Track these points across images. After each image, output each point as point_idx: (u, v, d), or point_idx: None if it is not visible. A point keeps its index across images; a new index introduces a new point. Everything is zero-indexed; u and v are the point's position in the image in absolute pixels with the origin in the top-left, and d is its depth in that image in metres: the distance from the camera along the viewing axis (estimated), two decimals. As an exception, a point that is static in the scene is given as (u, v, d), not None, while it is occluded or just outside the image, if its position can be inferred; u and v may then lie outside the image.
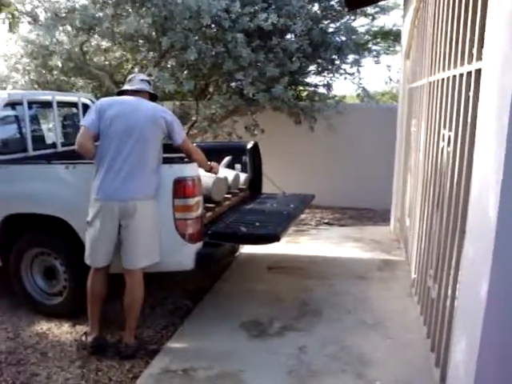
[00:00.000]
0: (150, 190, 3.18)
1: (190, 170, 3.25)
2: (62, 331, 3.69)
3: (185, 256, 3.29)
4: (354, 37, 6.88)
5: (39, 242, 3.83)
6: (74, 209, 3.47)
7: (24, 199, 3.72)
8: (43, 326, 3.77)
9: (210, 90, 7.54)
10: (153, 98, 3.49)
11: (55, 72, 7.22)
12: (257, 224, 3.58)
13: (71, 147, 4.84)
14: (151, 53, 6.76)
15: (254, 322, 3.62)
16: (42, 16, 6.38)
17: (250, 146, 4.72)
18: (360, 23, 7.85)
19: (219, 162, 4.62)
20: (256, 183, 4.81)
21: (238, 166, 4.76)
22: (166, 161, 3.30)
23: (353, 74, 6.92)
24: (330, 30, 7.28)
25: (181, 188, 3.19)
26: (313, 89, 7.33)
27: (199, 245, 3.34)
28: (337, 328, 3.52)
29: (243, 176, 4.61)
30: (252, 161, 4.72)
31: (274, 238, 3.33)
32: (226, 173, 4.27)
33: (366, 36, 8.67)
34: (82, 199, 3.29)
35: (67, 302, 3.81)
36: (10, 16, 4.38)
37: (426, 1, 4.00)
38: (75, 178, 3.52)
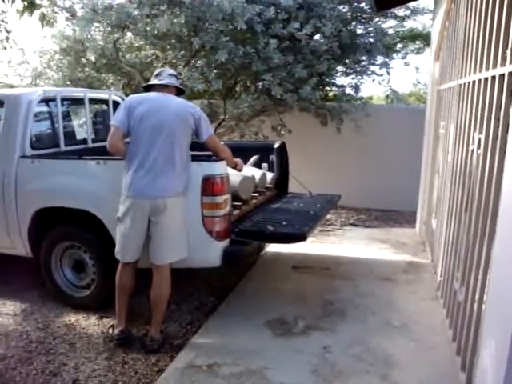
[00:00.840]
0: (180, 187, 3.22)
1: (219, 168, 3.28)
2: (90, 323, 3.77)
3: (212, 253, 3.33)
4: (383, 38, 6.83)
5: (69, 235, 3.91)
6: (104, 204, 3.55)
7: (56, 193, 3.81)
8: (71, 318, 3.86)
9: (238, 89, 7.59)
10: (180, 92, 3.51)
11: (87, 69, 7.37)
12: (283, 223, 3.59)
13: (101, 143, 4.96)
14: (182, 52, 6.83)
15: (279, 321, 3.63)
16: (79, 12, 6.52)
17: (277, 145, 4.74)
18: (389, 25, 7.74)
19: (246, 160, 4.66)
20: (282, 183, 4.82)
21: (264, 165, 4.78)
22: (195, 158, 3.35)
23: (381, 75, 6.87)
24: (360, 31, 7.27)
25: (209, 186, 3.23)
26: (340, 90, 7.30)
27: (226, 242, 3.38)
28: (361, 329, 3.51)
29: (270, 175, 4.63)
30: (279, 160, 4.74)
31: (300, 237, 3.35)
32: (253, 171, 4.30)
33: (395, 38, 8.61)
34: (112, 194, 3.37)
35: (95, 295, 3.89)
36: (43, 14, 4.47)
37: (457, 2, 3.96)
38: (106, 173, 3.59)
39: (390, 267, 4.80)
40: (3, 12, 4.26)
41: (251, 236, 3.46)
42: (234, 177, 3.65)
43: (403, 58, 7.89)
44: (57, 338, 3.57)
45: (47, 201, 3.84)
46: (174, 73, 3.58)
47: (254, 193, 4.18)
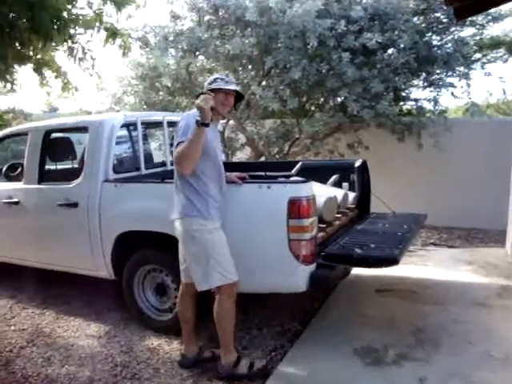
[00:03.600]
0: (183, 209, 3.10)
1: (306, 190, 3.16)
2: (172, 348, 3.73)
3: (298, 278, 3.20)
4: (462, 48, 6.52)
5: (152, 258, 3.91)
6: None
7: (138, 217, 3.82)
8: (154, 342, 3.84)
9: (312, 107, 7.48)
10: (239, 98, 3.30)
11: (161, 93, 7.53)
12: (371, 245, 3.41)
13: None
14: (254, 72, 6.83)
15: (368, 349, 3.44)
16: (152, 41, 6.69)
17: (358, 163, 4.57)
18: (467, 34, 7.37)
19: (326, 180, 4.53)
20: (364, 202, 4.63)
21: (345, 184, 4.62)
22: (280, 180, 3.26)
23: (461, 87, 6.55)
24: (436, 42, 6.99)
25: (296, 208, 3.11)
26: (418, 104, 7.02)
27: (313, 266, 3.24)
28: (459, 360, 3.24)
29: (352, 195, 4.47)
30: (361, 179, 4.56)
31: (392, 261, 3.15)
32: (334, 192, 4.16)
33: (474, 47, 8.21)
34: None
35: (177, 319, 3.84)
36: (123, 43, 4.60)
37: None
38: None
39: (482, 291, 4.48)
40: (89, 41, 4.39)
41: (338, 260, 3.30)
42: (318, 198, 3.51)
43: (482, 67, 7.50)
44: (141, 362, 3.55)
45: (130, 224, 3.86)
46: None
47: (336, 214, 4.03)
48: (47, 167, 4.79)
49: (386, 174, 6.95)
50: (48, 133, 4.60)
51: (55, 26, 3.43)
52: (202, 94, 2.97)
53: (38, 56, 4.44)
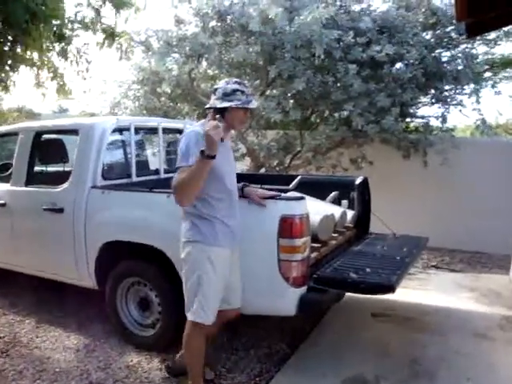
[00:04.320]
0: (184, 232, 2.84)
1: (299, 207, 2.96)
2: (152, 367, 3.52)
3: (288, 301, 3.00)
4: (473, 64, 6.33)
5: (136, 271, 3.72)
6: (172, 240, 3.32)
7: (124, 226, 3.65)
8: (133, 358, 3.64)
9: (315, 119, 7.30)
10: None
11: (163, 98, 7.38)
12: (367, 270, 3.21)
13: (173, 174, 4.81)
14: (257, 81, 6.66)
15: (359, 379, 3.23)
16: (154, 45, 6.54)
17: (359, 181, 4.37)
18: (478, 51, 7.19)
19: (325, 197, 4.33)
20: (363, 222, 4.43)
21: (344, 201, 4.42)
22: (269, 194, 3.07)
23: (472, 103, 6.35)
24: (445, 58, 6.82)
25: (287, 227, 2.92)
26: (425, 121, 6.83)
27: (303, 289, 3.03)
28: (455, 398, 3.04)
29: (350, 213, 4.27)
30: (361, 197, 4.36)
31: (388, 288, 2.95)
32: (332, 209, 3.96)
33: (483, 65, 8.03)
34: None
35: (159, 336, 3.66)
36: (121, 46, 4.45)
37: None
38: (176, 208, 3.37)
39: (484, 321, 4.25)
40: (85, 44, 4.24)
41: (331, 284, 3.09)
42: (314, 216, 3.32)
43: (493, 86, 7.30)
44: (117, 380, 3.35)
45: (115, 234, 3.68)
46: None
47: (333, 233, 3.83)
48: (36, 169, 4.62)
49: (389, 191, 6.75)
50: (38, 134, 4.43)
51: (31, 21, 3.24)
52: (214, 111, 2.69)
53: (31, 56, 4.27)
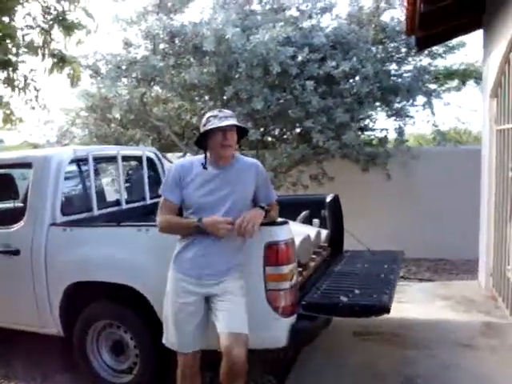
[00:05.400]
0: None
1: (284, 233, 2.80)
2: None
3: (277, 332, 2.82)
4: (424, 77, 6.46)
5: (107, 313, 3.43)
6: (148, 277, 3.09)
7: (90, 265, 3.35)
8: (110, 409, 3.34)
9: (273, 138, 7.21)
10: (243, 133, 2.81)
11: (113, 125, 7.09)
12: (356, 291, 3.08)
13: (135, 204, 4.56)
14: (211, 102, 6.50)
15: (355, 408, 3.08)
16: (103, 69, 6.27)
17: (329, 198, 4.27)
18: (423, 63, 7.37)
19: (296, 216, 4.20)
20: (337, 240, 4.32)
21: (315, 220, 4.30)
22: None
23: (427, 115, 6.48)
24: (396, 72, 6.94)
25: (273, 254, 2.75)
26: (383, 134, 6.89)
27: (293, 318, 2.87)
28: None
29: (324, 232, 4.15)
30: (333, 215, 4.26)
31: (383, 309, 2.82)
32: (306, 230, 3.82)
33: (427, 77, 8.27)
34: (157, 266, 2.94)
35: (137, 381, 3.37)
36: (72, 71, 4.18)
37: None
38: (150, 242, 3.14)
39: (466, 330, 4.21)
40: (32, 70, 3.94)
41: (322, 310, 2.93)
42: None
43: (436, 97, 7.47)
44: None
45: (81, 274, 3.38)
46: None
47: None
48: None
49: (350, 206, 6.67)
50: (-15, 169, 4.07)
51: None
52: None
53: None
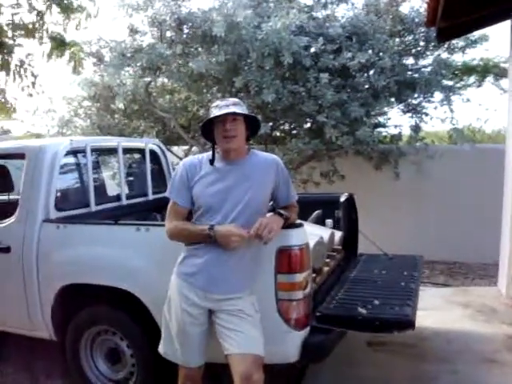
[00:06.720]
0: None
1: (298, 237, 2.52)
2: (128, 430, 2.98)
3: (289, 346, 2.55)
4: (443, 72, 6.13)
5: (102, 318, 3.16)
6: (147, 281, 2.82)
7: (85, 267, 3.10)
8: (104, 421, 3.08)
9: (284, 133, 6.91)
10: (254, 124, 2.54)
11: (117, 115, 6.82)
12: (376, 302, 2.79)
13: (137, 199, 4.29)
14: (219, 94, 6.21)
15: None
16: (107, 56, 5.99)
17: (344, 198, 3.97)
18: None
19: (307, 216, 3.91)
20: (352, 242, 4.03)
21: (328, 221, 4.01)
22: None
23: (444, 112, 6.15)
24: (413, 66, 6.62)
25: (285, 260, 2.47)
26: (398, 130, 6.58)
27: (306, 331, 2.59)
28: None
29: (338, 234, 3.86)
30: (347, 216, 3.96)
31: (407, 324, 2.54)
32: (320, 231, 3.54)
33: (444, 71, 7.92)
34: (158, 269, 2.71)
35: (132, 393, 3.12)
36: (74, 56, 3.89)
37: None
38: (150, 242, 2.87)
39: (489, 343, 3.92)
40: (29, 55, 3.65)
41: (338, 323, 2.65)
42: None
43: (456, 93, 7.13)
44: None
45: (75, 276, 3.12)
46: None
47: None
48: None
49: (361, 205, 6.42)
50: (-24, 159, 3.81)
51: None
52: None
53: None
